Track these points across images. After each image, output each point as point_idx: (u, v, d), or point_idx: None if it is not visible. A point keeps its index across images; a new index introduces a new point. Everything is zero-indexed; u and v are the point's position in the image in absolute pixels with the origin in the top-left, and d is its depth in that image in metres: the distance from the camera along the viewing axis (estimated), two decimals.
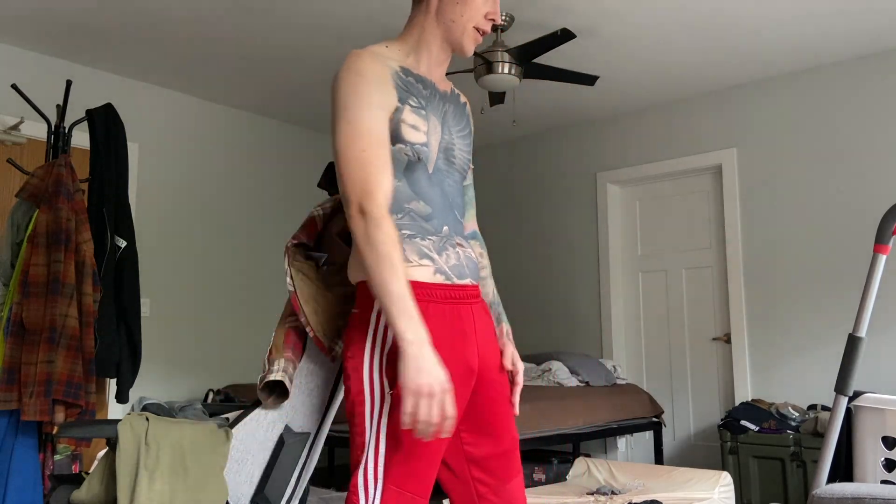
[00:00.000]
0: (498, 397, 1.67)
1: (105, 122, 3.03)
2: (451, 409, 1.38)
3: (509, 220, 6.02)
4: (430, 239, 1.56)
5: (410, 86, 1.59)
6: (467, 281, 1.61)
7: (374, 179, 1.46)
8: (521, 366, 1.72)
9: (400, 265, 1.41)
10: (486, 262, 1.83)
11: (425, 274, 1.53)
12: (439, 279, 1.55)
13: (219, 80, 4.76)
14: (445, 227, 1.60)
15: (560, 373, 4.55)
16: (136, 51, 4.31)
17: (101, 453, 1.78)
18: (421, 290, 1.51)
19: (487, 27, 1.65)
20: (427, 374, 1.37)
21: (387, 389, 1.49)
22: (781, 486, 3.99)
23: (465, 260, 1.62)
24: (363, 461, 1.48)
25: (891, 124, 4.28)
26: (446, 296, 1.55)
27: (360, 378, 1.50)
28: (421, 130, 1.57)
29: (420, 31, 1.64)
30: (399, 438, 1.48)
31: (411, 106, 1.56)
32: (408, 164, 1.55)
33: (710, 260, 5.03)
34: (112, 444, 1.69)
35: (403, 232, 1.53)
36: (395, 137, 1.54)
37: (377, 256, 1.41)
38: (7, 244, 2.85)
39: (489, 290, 1.82)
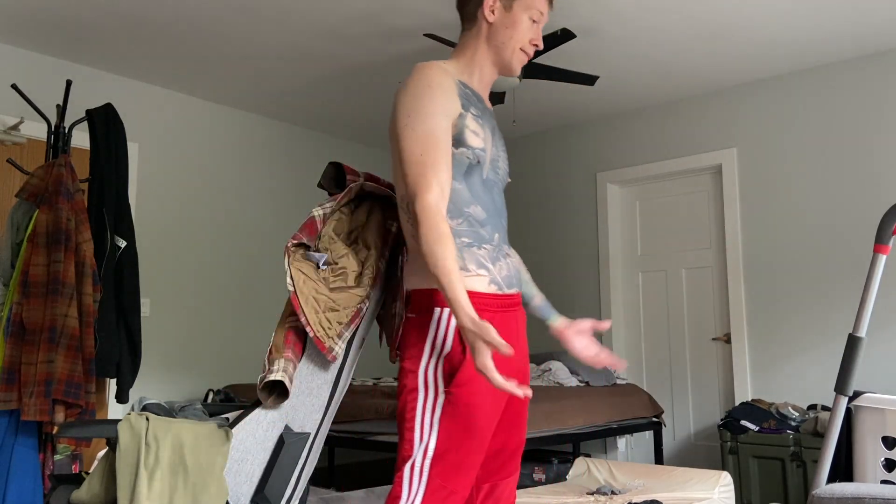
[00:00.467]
0: (522, 399, 1.76)
1: (105, 122, 3.04)
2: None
3: (509, 220, 6.02)
4: (485, 248, 1.67)
5: (469, 97, 1.71)
6: (514, 290, 1.74)
7: (425, 181, 1.56)
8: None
9: (447, 248, 1.49)
10: (523, 267, 1.95)
11: (481, 284, 1.65)
12: (493, 289, 1.67)
13: (219, 80, 4.76)
14: (497, 235, 1.71)
15: (560, 373, 4.55)
16: (136, 51, 4.31)
17: (101, 453, 1.78)
18: (476, 300, 1.61)
19: (531, 51, 1.80)
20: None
21: (441, 388, 1.58)
22: (781, 486, 4.00)
23: (513, 270, 1.75)
24: (412, 456, 1.56)
25: (891, 124, 4.28)
26: (498, 305, 1.67)
27: (415, 376, 1.60)
28: (480, 136, 1.69)
29: (473, 52, 1.79)
30: (450, 435, 1.57)
31: (472, 114, 1.68)
32: (468, 168, 1.67)
33: (710, 260, 5.03)
34: (112, 443, 1.69)
35: (462, 240, 1.65)
36: (459, 141, 1.65)
37: (425, 249, 1.51)
38: (7, 244, 2.85)
39: (536, 291, 1.95)
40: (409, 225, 1.67)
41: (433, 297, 1.63)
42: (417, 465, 1.56)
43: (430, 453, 1.56)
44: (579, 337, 1.88)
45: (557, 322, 1.92)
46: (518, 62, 1.79)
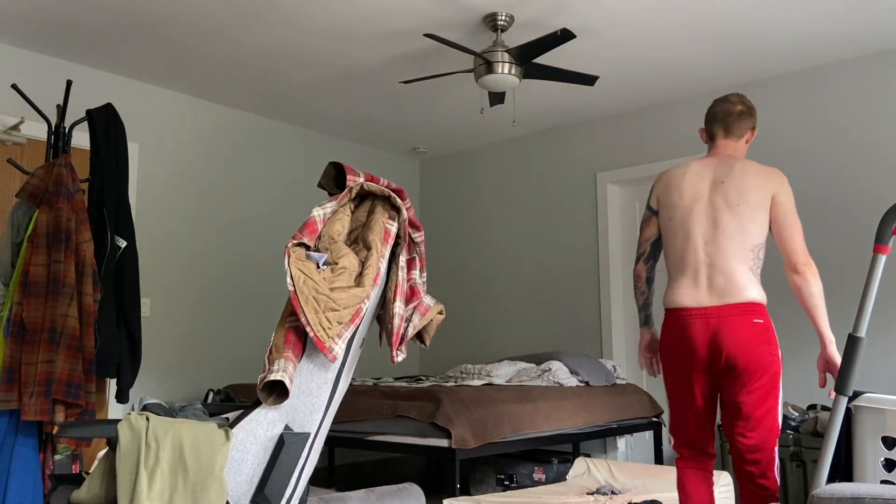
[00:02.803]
0: None
1: (105, 123, 3.04)
2: None
3: (509, 220, 6.02)
4: None
5: None
6: None
7: (809, 257, 2.48)
8: None
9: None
10: None
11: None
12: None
13: (219, 80, 4.76)
14: None
15: (560, 373, 4.54)
16: (136, 51, 4.31)
17: (101, 453, 1.78)
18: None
19: None
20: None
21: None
22: (781, 486, 3.99)
23: None
24: (776, 446, 2.44)
25: (891, 124, 4.28)
26: None
27: (777, 371, 2.41)
28: None
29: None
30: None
31: None
32: None
33: None
34: (112, 443, 1.69)
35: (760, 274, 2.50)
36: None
37: (821, 293, 2.44)
38: (7, 244, 2.85)
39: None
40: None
41: (766, 311, 2.46)
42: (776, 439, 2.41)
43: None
44: None
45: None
46: None
